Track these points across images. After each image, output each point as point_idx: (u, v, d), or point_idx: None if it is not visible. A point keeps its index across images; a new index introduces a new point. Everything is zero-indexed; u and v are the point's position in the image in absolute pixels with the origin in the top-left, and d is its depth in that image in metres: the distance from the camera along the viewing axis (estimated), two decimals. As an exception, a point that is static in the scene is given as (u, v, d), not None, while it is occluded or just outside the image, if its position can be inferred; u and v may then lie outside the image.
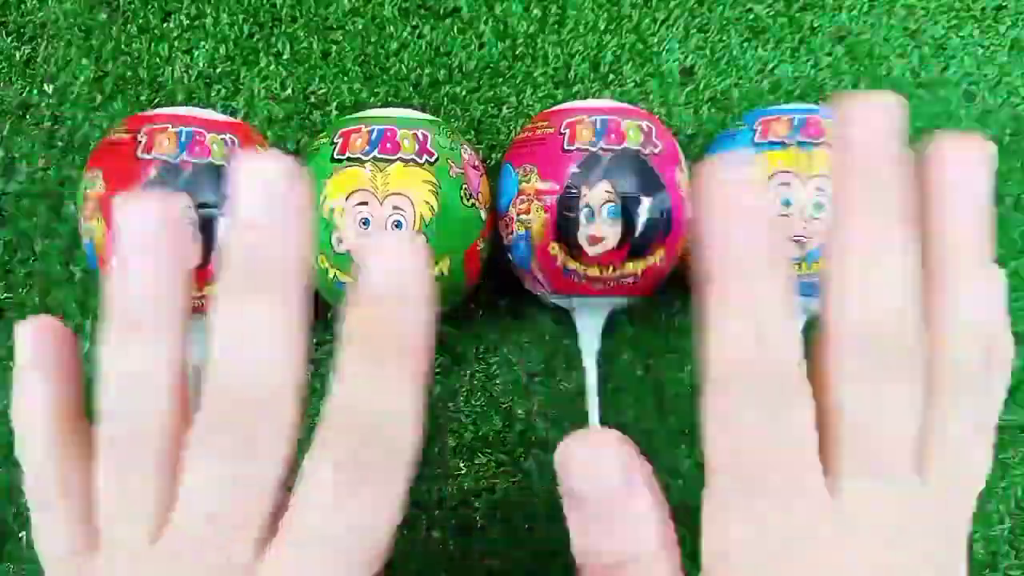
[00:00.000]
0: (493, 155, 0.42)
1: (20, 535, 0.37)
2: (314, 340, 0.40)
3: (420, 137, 0.33)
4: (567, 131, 0.31)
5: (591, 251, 0.31)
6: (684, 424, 0.39)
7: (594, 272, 0.32)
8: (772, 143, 0.34)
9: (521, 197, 0.33)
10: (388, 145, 0.33)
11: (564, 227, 0.31)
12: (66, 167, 0.41)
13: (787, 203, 0.33)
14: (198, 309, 0.33)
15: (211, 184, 0.32)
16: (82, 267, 0.40)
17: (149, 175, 0.32)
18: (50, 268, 0.40)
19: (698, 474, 0.39)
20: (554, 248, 0.32)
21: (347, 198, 0.32)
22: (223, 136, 0.33)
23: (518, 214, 0.33)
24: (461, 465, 0.39)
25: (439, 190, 0.32)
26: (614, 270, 0.32)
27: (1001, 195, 0.42)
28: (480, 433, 0.39)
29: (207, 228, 0.32)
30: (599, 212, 0.30)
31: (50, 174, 0.41)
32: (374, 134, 0.33)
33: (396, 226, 0.32)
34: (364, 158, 0.33)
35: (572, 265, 0.32)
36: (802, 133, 0.34)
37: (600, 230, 0.30)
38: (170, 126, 0.33)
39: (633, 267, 0.32)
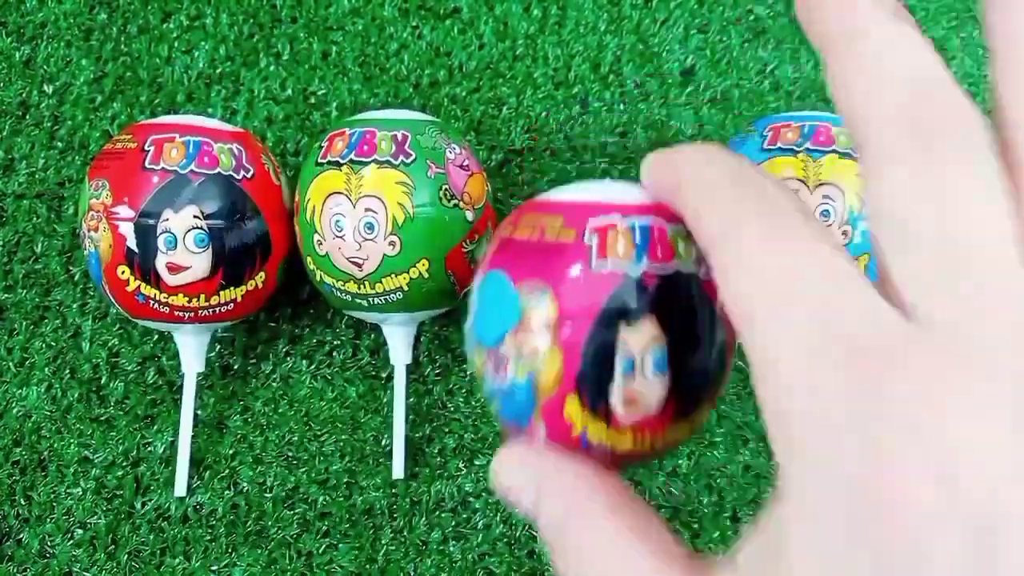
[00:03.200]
0: (493, 156, 0.42)
1: (20, 535, 0.37)
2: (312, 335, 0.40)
3: (399, 138, 0.33)
4: (595, 239, 0.21)
5: (624, 412, 0.21)
6: (684, 425, 0.39)
7: (625, 444, 0.21)
8: (782, 149, 0.34)
9: (522, 334, 0.21)
10: (365, 148, 0.33)
11: (589, 378, 0.20)
12: (66, 167, 0.41)
13: None
14: (208, 318, 0.34)
15: (219, 195, 0.33)
16: (82, 267, 0.40)
17: (158, 186, 0.32)
18: (50, 268, 0.40)
19: (698, 474, 0.39)
20: (571, 403, 0.21)
21: (324, 201, 0.33)
22: (230, 146, 0.33)
23: (519, 354, 0.21)
24: (461, 466, 0.39)
25: (414, 191, 0.33)
26: (648, 437, 0.21)
27: (1001, 196, 0.42)
28: (480, 434, 0.39)
29: (216, 239, 0.32)
30: (641, 365, 0.20)
31: (50, 174, 0.41)
32: (354, 137, 0.33)
33: (368, 228, 0.32)
34: (341, 161, 0.33)
35: (592, 431, 0.21)
36: (812, 141, 0.34)
37: (640, 384, 0.20)
38: (177, 135, 0.33)
39: (676, 433, 0.22)
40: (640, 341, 0.20)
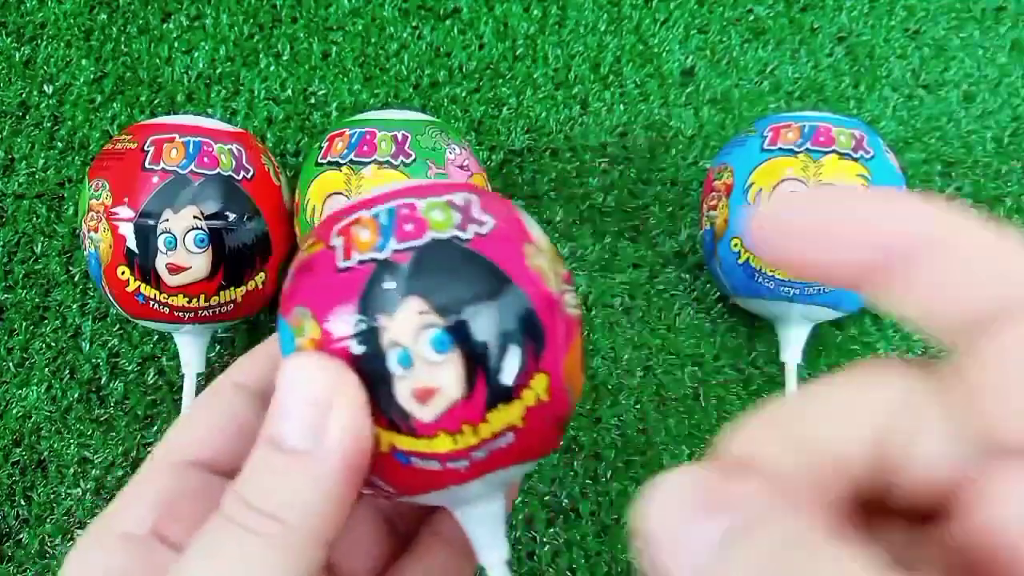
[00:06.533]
0: (493, 156, 0.42)
1: (20, 535, 0.37)
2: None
3: (399, 139, 0.33)
4: (340, 240, 0.19)
5: (424, 411, 0.18)
6: (684, 425, 0.39)
7: (445, 445, 0.18)
8: (782, 150, 0.34)
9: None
10: (365, 148, 0.33)
11: (373, 391, 0.18)
12: (66, 167, 0.41)
13: None
14: (208, 319, 0.34)
15: (219, 195, 0.33)
16: (82, 267, 0.40)
17: (158, 186, 0.32)
18: (50, 268, 0.40)
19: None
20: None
21: (324, 201, 0.33)
22: (229, 146, 0.33)
23: None
24: (461, 466, 0.39)
25: None
26: (469, 430, 0.18)
27: (1001, 196, 0.42)
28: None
29: (216, 239, 0.32)
30: (420, 353, 0.18)
31: (50, 174, 0.41)
32: (354, 137, 0.33)
33: None
34: (342, 161, 0.33)
35: (402, 444, 0.18)
36: (812, 141, 0.34)
37: (428, 375, 0.18)
38: (177, 136, 0.33)
39: (507, 415, 0.18)
40: (407, 328, 0.17)
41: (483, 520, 0.20)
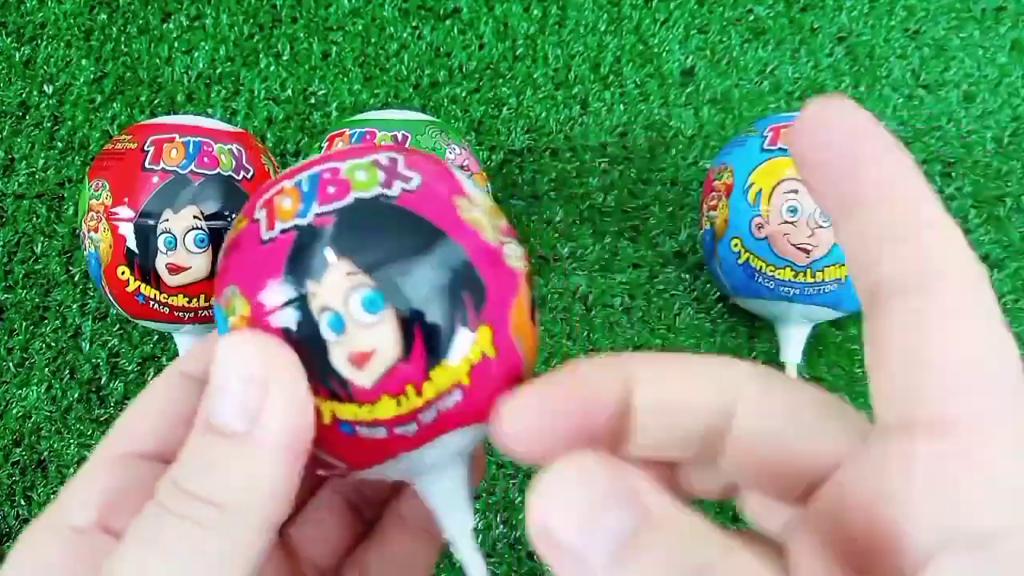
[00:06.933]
0: (493, 156, 0.42)
1: (20, 535, 0.37)
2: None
3: (399, 139, 0.33)
4: (263, 213, 0.18)
5: (361, 375, 0.17)
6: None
7: (389, 410, 0.18)
8: (782, 150, 0.34)
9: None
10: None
11: (306, 363, 0.17)
12: (66, 167, 0.41)
13: (793, 211, 0.33)
14: (208, 319, 0.34)
15: (219, 195, 0.33)
16: (82, 267, 0.40)
17: (158, 186, 0.32)
18: (50, 268, 0.40)
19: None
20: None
21: None
22: (229, 146, 0.33)
23: None
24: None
25: None
26: (413, 391, 0.18)
27: (1002, 195, 0.42)
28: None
29: (216, 239, 0.32)
30: (352, 316, 0.17)
31: (50, 174, 0.41)
32: (354, 137, 0.33)
33: None
34: None
35: (345, 413, 0.18)
36: None
37: (361, 338, 0.17)
38: (177, 136, 0.33)
39: (453, 374, 0.18)
40: (336, 291, 0.17)
41: (443, 488, 0.19)
